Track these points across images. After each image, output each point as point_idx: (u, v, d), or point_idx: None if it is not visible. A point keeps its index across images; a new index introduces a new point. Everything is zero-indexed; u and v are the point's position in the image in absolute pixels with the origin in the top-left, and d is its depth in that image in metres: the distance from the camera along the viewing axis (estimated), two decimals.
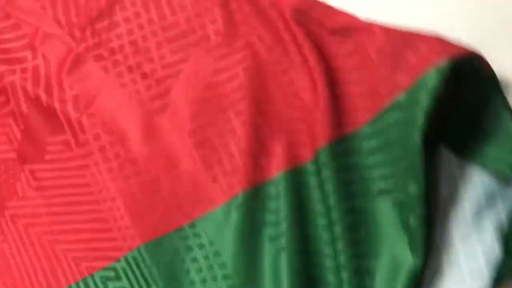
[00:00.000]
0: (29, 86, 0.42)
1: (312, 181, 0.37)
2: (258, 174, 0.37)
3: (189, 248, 0.38)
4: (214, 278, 0.38)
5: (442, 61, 0.32)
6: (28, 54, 0.43)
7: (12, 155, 0.43)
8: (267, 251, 0.37)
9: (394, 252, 0.34)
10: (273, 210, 0.37)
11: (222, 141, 0.38)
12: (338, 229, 0.35)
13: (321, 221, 0.36)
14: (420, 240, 0.33)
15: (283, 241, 0.36)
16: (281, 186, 0.37)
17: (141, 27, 0.41)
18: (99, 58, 0.41)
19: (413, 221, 0.33)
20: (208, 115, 0.39)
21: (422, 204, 0.33)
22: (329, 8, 0.37)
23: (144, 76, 0.40)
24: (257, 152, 0.37)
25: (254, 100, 0.38)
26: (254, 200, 0.37)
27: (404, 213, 0.34)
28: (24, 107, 0.43)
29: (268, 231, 0.37)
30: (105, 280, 0.40)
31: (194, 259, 0.38)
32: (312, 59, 0.37)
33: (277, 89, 0.38)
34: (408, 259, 0.33)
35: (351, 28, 0.36)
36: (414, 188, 0.33)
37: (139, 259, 0.38)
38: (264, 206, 0.37)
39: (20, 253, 0.42)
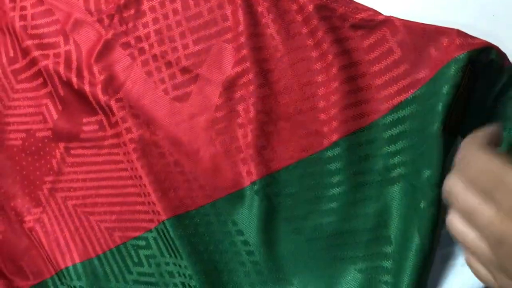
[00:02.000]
0: (61, 70, 0.45)
1: (331, 167, 0.39)
2: (274, 163, 0.40)
3: (209, 223, 0.42)
4: (237, 253, 0.41)
5: (461, 53, 0.33)
6: (60, 39, 0.46)
7: (47, 133, 0.47)
8: (284, 231, 0.40)
9: (405, 234, 0.36)
10: (289, 194, 0.40)
11: (241, 131, 0.41)
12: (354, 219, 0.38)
13: (333, 204, 0.39)
14: (428, 223, 0.35)
15: (298, 223, 0.39)
16: (296, 173, 0.39)
17: (166, 16, 0.43)
18: (126, 45, 0.44)
19: (424, 204, 0.35)
20: (229, 106, 0.41)
21: (433, 188, 0.34)
22: (352, 3, 0.38)
23: (169, 65, 0.43)
24: (272, 141, 0.40)
25: (270, 91, 0.40)
26: (270, 186, 0.40)
27: (416, 197, 0.36)
28: (61, 89, 0.46)
29: (284, 214, 0.40)
30: (137, 248, 0.44)
31: (214, 232, 0.42)
32: (331, 54, 0.38)
33: (293, 80, 0.40)
34: (416, 241, 0.35)
35: (372, 22, 0.37)
36: (427, 173, 0.34)
37: (165, 231, 0.42)
38: (280, 191, 0.40)
39: (59, 223, 0.46)
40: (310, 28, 0.39)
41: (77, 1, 0.46)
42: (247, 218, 0.41)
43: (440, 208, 0.35)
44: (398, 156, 0.37)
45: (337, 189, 0.39)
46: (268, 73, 0.40)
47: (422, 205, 0.35)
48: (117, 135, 0.45)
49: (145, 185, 0.43)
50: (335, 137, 0.38)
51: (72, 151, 0.46)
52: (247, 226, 0.41)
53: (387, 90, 0.37)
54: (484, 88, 0.35)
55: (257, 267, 0.41)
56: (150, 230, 0.43)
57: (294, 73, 0.40)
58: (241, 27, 0.40)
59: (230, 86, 0.41)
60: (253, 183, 0.40)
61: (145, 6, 0.44)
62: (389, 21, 0.37)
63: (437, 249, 0.37)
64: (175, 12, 0.43)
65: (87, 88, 0.45)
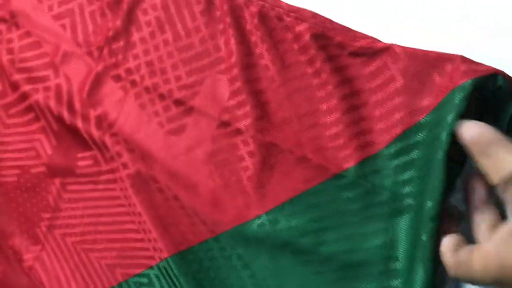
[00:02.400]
0: (52, 104, 0.44)
1: (337, 198, 0.38)
2: (277, 195, 0.39)
3: (214, 258, 0.41)
4: (244, 287, 0.40)
5: (466, 80, 0.32)
6: (50, 73, 0.45)
7: (42, 169, 0.46)
8: (291, 265, 0.39)
9: (411, 267, 0.35)
10: (295, 227, 0.38)
11: (241, 163, 0.39)
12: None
13: (341, 236, 0.38)
14: (430, 255, 0.34)
15: (305, 255, 0.38)
16: (300, 205, 0.38)
17: (156, 48, 0.41)
18: (117, 78, 0.43)
19: (425, 237, 0.34)
20: (227, 138, 0.40)
21: (433, 220, 0.33)
22: (350, 31, 0.37)
23: (162, 97, 0.41)
24: (274, 173, 0.39)
25: (269, 123, 0.39)
26: (275, 220, 0.38)
27: (418, 229, 0.35)
28: (54, 124, 0.45)
29: (290, 247, 0.38)
30: (139, 285, 0.43)
31: (219, 267, 0.41)
32: (331, 84, 0.37)
33: (291, 110, 0.39)
34: (420, 274, 0.34)
35: (372, 49, 0.36)
36: (429, 204, 0.33)
37: (168, 269, 0.41)
38: (285, 224, 0.38)
39: (59, 261, 0.45)
40: (308, 57, 0.38)
41: (64, 33, 0.44)
42: (252, 252, 0.40)
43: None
44: (407, 187, 0.36)
45: (344, 220, 0.38)
46: (265, 105, 0.39)
47: (423, 237, 0.34)
48: (113, 170, 0.43)
49: (145, 222, 0.42)
50: (339, 168, 0.37)
51: (68, 187, 0.45)
52: (252, 260, 0.40)
53: (390, 119, 0.36)
54: (495, 115, 0.34)
55: None
56: (152, 267, 0.42)
57: (291, 103, 0.38)
58: (234, 58, 0.39)
59: (226, 119, 0.40)
60: (257, 216, 0.39)
61: (135, 37, 0.42)
62: (389, 49, 0.36)
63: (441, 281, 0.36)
64: (165, 43, 0.41)
65: (79, 123, 0.43)
